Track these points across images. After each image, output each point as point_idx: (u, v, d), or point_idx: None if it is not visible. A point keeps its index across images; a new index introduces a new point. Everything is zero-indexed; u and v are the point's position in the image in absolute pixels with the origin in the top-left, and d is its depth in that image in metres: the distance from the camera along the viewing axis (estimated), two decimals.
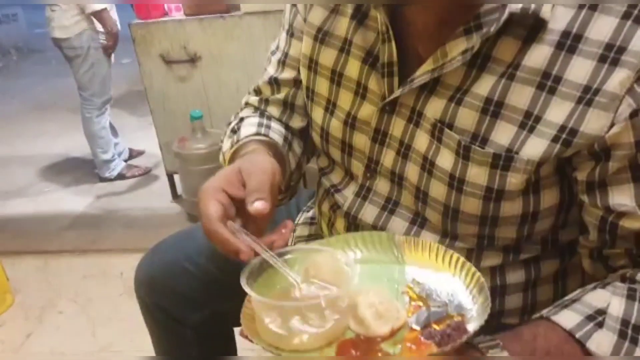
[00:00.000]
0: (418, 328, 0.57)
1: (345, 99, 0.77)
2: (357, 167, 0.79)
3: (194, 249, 0.96)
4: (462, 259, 0.64)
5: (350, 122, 0.77)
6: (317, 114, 0.82)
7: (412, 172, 0.72)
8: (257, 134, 0.82)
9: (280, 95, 0.90)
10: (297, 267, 0.64)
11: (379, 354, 0.54)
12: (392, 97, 0.70)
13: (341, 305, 0.58)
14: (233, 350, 1.15)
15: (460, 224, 0.70)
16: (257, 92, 0.94)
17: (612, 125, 0.58)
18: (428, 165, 0.70)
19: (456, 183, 0.67)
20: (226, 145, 0.85)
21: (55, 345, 1.92)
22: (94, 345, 1.91)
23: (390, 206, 0.77)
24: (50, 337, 1.97)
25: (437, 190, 0.69)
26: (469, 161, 0.65)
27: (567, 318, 0.59)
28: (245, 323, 0.58)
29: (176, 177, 2.84)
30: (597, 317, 0.58)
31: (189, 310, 0.97)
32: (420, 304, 0.61)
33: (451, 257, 0.65)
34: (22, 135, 4.12)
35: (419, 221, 0.75)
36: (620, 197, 0.61)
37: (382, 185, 0.77)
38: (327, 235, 0.89)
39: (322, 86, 0.80)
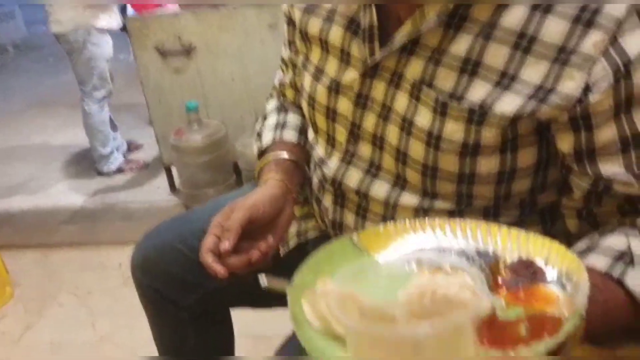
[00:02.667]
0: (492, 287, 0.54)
1: (331, 66, 0.79)
2: (341, 133, 0.80)
3: (189, 232, 0.96)
4: (422, 221, 0.63)
5: (334, 87, 0.78)
6: (307, 82, 0.83)
7: (392, 133, 0.73)
8: (274, 141, 0.93)
9: (289, 76, 0.96)
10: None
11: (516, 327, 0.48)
12: (374, 60, 0.72)
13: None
14: (230, 333, 1.16)
15: (439, 182, 0.71)
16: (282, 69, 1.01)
17: (586, 86, 0.59)
18: (407, 125, 0.71)
19: (434, 140, 0.69)
20: (255, 149, 0.97)
21: (55, 337, 1.93)
22: (94, 336, 1.92)
23: (373, 170, 0.78)
24: (50, 329, 1.98)
25: (416, 149, 0.71)
26: (446, 117, 0.67)
27: (597, 261, 0.59)
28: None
29: (174, 170, 2.84)
30: (624, 257, 0.59)
31: (183, 292, 0.98)
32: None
33: (407, 227, 0.64)
34: (21, 132, 4.12)
35: (400, 183, 0.76)
36: (612, 168, 0.62)
37: (364, 150, 0.78)
38: (317, 213, 0.90)
39: (315, 55, 0.82)
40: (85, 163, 3.37)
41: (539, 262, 0.55)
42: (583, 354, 0.55)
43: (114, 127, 3.22)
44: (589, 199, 0.66)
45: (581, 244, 0.64)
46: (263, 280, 0.64)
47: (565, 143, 0.64)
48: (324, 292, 0.55)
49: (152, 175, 3.18)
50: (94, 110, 3.03)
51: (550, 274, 0.54)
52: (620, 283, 0.58)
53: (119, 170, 3.21)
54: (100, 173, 3.20)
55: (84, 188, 3.11)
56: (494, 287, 0.55)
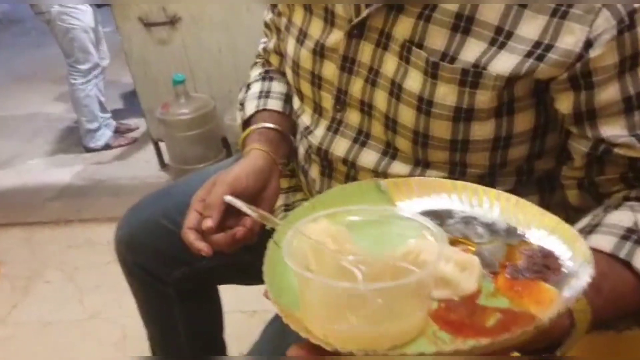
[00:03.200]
0: (495, 270, 0.50)
1: (315, 27, 0.75)
2: (327, 100, 0.77)
3: (172, 206, 0.93)
4: (460, 182, 0.59)
5: (319, 50, 0.74)
6: (290, 46, 0.80)
7: (380, 99, 0.70)
8: (257, 110, 0.88)
9: (273, 41, 0.93)
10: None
11: (489, 314, 0.45)
12: (359, 18, 0.68)
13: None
14: (218, 309, 1.14)
15: (431, 150, 0.68)
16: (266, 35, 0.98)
17: (587, 41, 0.55)
18: (396, 90, 0.67)
19: (424, 106, 0.65)
20: (238, 119, 0.93)
21: (42, 315, 1.90)
22: (83, 313, 1.90)
23: (361, 138, 0.75)
24: (38, 306, 1.95)
25: (406, 115, 0.67)
26: (437, 80, 0.63)
27: (603, 241, 0.56)
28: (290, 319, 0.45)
29: (163, 146, 2.79)
30: (632, 236, 0.56)
31: (168, 267, 0.96)
32: (468, 246, 0.54)
33: (442, 185, 0.60)
34: (6, 107, 4.03)
35: (390, 152, 0.73)
36: (614, 130, 0.59)
37: (352, 117, 0.75)
38: (304, 185, 0.87)
39: (298, 16, 0.78)
40: (72, 138, 3.31)
41: (562, 256, 0.50)
42: (588, 337, 0.52)
43: (103, 109, 3.14)
44: (590, 167, 0.63)
45: (585, 221, 0.61)
46: (229, 198, 0.66)
47: (564, 103, 0.61)
48: (309, 230, 0.51)
49: (141, 150, 3.13)
50: (80, 83, 2.97)
51: (565, 271, 0.49)
52: (627, 264, 0.54)
53: (107, 146, 3.15)
54: (88, 149, 3.14)
55: (71, 164, 3.06)
56: (500, 269, 0.51)
